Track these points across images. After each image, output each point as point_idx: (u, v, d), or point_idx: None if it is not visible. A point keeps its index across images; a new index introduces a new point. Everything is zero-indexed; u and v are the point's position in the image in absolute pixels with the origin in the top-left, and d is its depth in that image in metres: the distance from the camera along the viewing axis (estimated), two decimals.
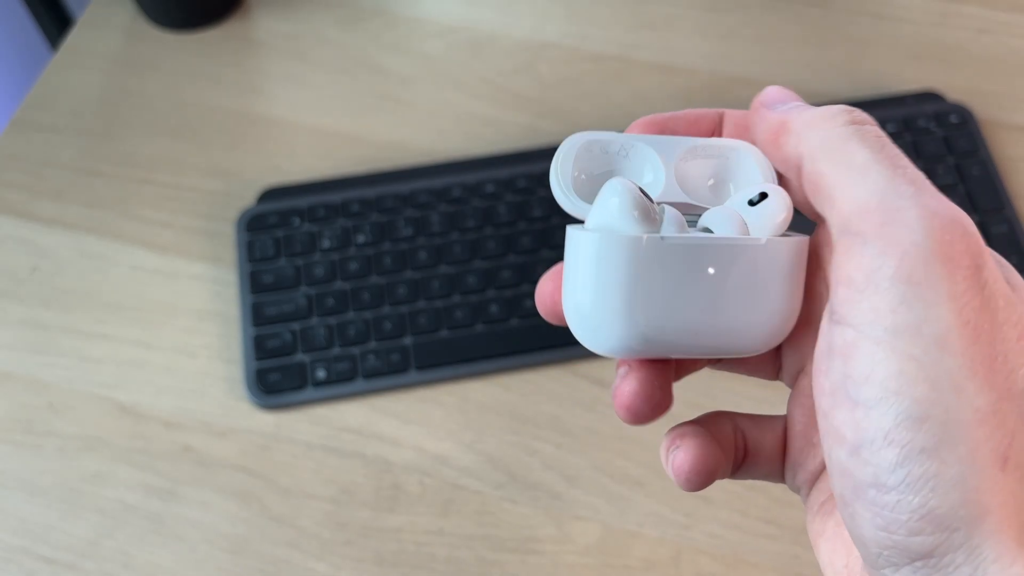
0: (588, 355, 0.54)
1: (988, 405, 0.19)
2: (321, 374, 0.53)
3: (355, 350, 0.53)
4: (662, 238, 0.23)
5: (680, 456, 0.26)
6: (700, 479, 0.25)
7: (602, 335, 0.24)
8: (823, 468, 0.25)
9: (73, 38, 0.67)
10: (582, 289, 0.24)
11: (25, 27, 0.80)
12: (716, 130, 0.27)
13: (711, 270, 0.24)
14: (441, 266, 0.56)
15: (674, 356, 0.25)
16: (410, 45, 0.66)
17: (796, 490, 0.27)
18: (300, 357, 0.53)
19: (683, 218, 0.25)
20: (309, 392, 0.53)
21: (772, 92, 0.25)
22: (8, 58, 0.82)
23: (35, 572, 0.49)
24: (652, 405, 0.25)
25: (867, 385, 0.20)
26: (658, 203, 0.25)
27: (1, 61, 0.82)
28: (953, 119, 0.59)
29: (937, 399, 0.19)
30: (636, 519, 0.49)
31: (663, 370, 0.25)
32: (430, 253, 0.56)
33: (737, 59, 0.64)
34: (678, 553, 0.49)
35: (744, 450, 0.26)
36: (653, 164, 0.26)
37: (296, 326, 0.54)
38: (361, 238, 0.56)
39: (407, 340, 0.54)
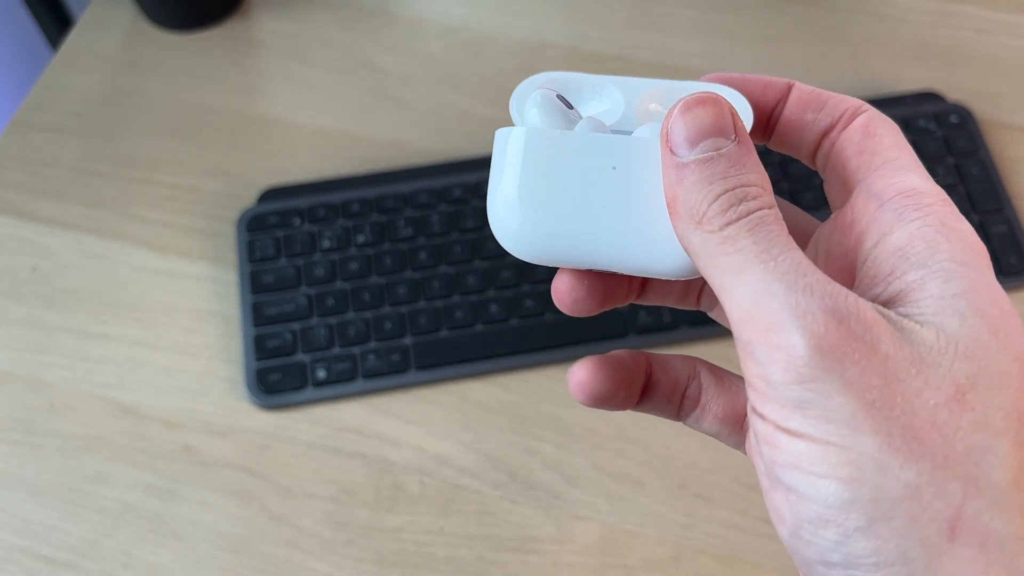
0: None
1: (918, 476, 0.19)
2: (321, 374, 0.53)
3: (355, 350, 0.53)
4: (559, 132, 0.24)
5: (575, 370, 0.27)
6: (593, 392, 0.27)
7: (511, 231, 0.24)
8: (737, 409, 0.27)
9: (73, 38, 0.67)
10: (494, 185, 0.24)
11: (25, 27, 0.80)
12: (781, 99, 0.27)
13: (612, 166, 0.23)
14: (441, 266, 0.56)
15: (588, 266, 0.25)
16: (410, 45, 0.66)
17: (751, 455, 0.27)
18: (300, 357, 0.53)
19: (606, 126, 0.25)
20: (309, 392, 0.53)
21: (679, 126, 0.23)
22: (8, 58, 0.82)
23: (35, 572, 0.49)
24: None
25: (794, 471, 0.20)
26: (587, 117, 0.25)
27: (1, 61, 0.82)
28: (953, 119, 0.60)
29: (862, 479, 0.20)
30: (636, 519, 0.49)
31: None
32: (430, 253, 0.56)
33: (737, 59, 0.64)
34: (678, 553, 0.49)
35: (647, 384, 0.28)
36: (613, 99, 0.26)
37: (296, 326, 0.54)
38: (361, 238, 0.56)
39: (407, 340, 0.54)
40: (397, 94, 0.64)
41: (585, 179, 0.23)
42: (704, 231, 0.22)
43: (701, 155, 0.22)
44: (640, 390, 0.27)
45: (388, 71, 0.65)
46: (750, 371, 0.21)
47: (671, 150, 0.23)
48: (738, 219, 0.22)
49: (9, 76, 0.82)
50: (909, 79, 0.63)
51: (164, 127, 0.63)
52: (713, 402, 0.27)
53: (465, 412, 0.53)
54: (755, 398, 0.21)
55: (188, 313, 0.56)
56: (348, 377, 0.53)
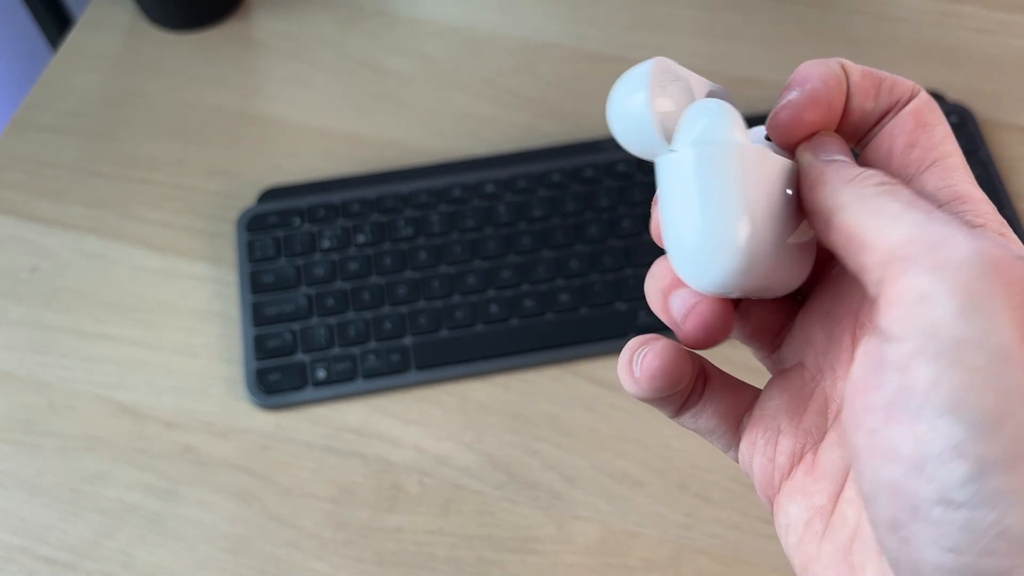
0: (588, 355, 0.54)
1: None
2: (321, 374, 0.53)
3: (355, 350, 0.53)
4: (765, 148, 0.23)
5: (649, 357, 0.25)
6: (668, 380, 0.25)
7: (713, 260, 0.22)
8: (790, 457, 0.25)
9: (73, 38, 0.67)
10: (687, 213, 0.23)
11: (25, 27, 0.80)
12: (846, 94, 0.26)
13: (789, 190, 0.23)
14: (441, 266, 0.56)
15: (765, 293, 0.24)
16: (410, 45, 0.66)
17: (744, 465, 0.27)
18: (300, 357, 0.53)
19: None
20: (309, 392, 0.53)
21: (826, 140, 0.24)
22: (8, 58, 0.82)
23: (35, 572, 0.49)
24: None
25: (930, 397, 0.19)
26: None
27: (1, 61, 0.82)
28: (953, 119, 0.60)
29: (1008, 410, 0.18)
30: (636, 519, 0.49)
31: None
32: (430, 253, 0.56)
33: (737, 59, 0.64)
34: (678, 553, 0.49)
35: (701, 392, 0.26)
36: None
37: (296, 326, 0.54)
38: (361, 238, 0.56)
39: (407, 340, 0.54)
40: (397, 94, 0.64)
41: (780, 200, 0.23)
42: (858, 186, 0.22)
43: (842, 159, 0.24)
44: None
45: (388, 71, 0.65)
46: (905, 284, 0.20)
47: (813, 153, 0.24)
48: (896, 184, 0.22)
49: (9, 76, 0.82)
50: (909, 79, 0.63)
51: (164, 127, 0.63)
52: (715, 397, 0.27)
53: (465, 412, 0.53)
54: (899, 316, 0.20)
55: (188, 313, 0.56)
56: (348, 377, 0.53)
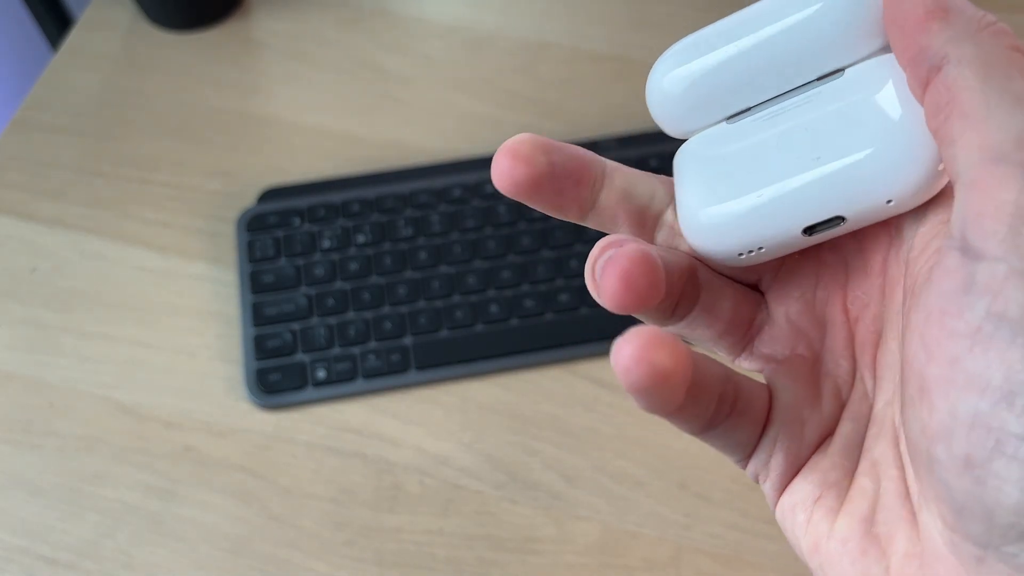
0: (588, 355, 0.54)
1: None
2: (321, 374, 0.53)
3: (355, 350, 0.53)
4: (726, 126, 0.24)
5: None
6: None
7: (714, 227, 0.23)
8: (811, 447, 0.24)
9: (73, 38, 0.67)
10: (684, 195, 0.24)
11: (25, 27, 0.80)
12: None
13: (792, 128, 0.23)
14: (441, 266, 0.56)
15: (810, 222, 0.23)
16: (410, 45, 0.66)
17: (757, 467, 0.24)
18: (300, 357, 0.53)
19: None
20: (309, 392, 0.53)
21: None
22: (8, 58, 0.82)
23: (35, 572, 0.49)
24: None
25: (1010, 321, 0.17)
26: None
27: (1, 61, 0.82)
28: None
29: None
30: (636, 519, 0.49)
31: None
32: (430, 253, 0.56)
33: None
34: (678, 553, 0.49)
35: (733, 405, 0.23)
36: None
37: (296, 326, 0.54)
38: (361, 238, 0.56)
39: (407, 340, 0.54)
40: (397, 94, 0.64)
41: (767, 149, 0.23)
42: (984, 43, 0.19)
43: None
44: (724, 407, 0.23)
45: (388, 71, 0.65)
46: (1001, 194, 0.18)
47: None
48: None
49: (9, 76, 0.82)
50: None
51: (164, 127, 0.63)
52: (749, 407, 0.24)
53: (465, 412, 0.53)
54: (993, 230, 0.18)
55: (188, 313, 0.56)
56: (348, 377, 0.53)
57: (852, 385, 0.24)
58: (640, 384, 0.20)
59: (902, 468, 0.22)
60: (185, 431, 0.52)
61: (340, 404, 0.53)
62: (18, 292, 0.57)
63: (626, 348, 0.20)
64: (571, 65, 0.64)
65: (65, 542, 0.49)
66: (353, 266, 0.56)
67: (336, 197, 0.58)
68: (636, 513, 0.50)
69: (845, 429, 0.24)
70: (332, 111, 0.63)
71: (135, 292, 0.56)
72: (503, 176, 0.23)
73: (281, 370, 0.53)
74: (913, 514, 0.22)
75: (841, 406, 0.24)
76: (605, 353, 0.53)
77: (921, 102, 0.20)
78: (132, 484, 0.51)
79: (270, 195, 0.59)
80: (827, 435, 0.24)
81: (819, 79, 0.23)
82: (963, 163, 0.19)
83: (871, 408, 0.24)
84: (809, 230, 0.23)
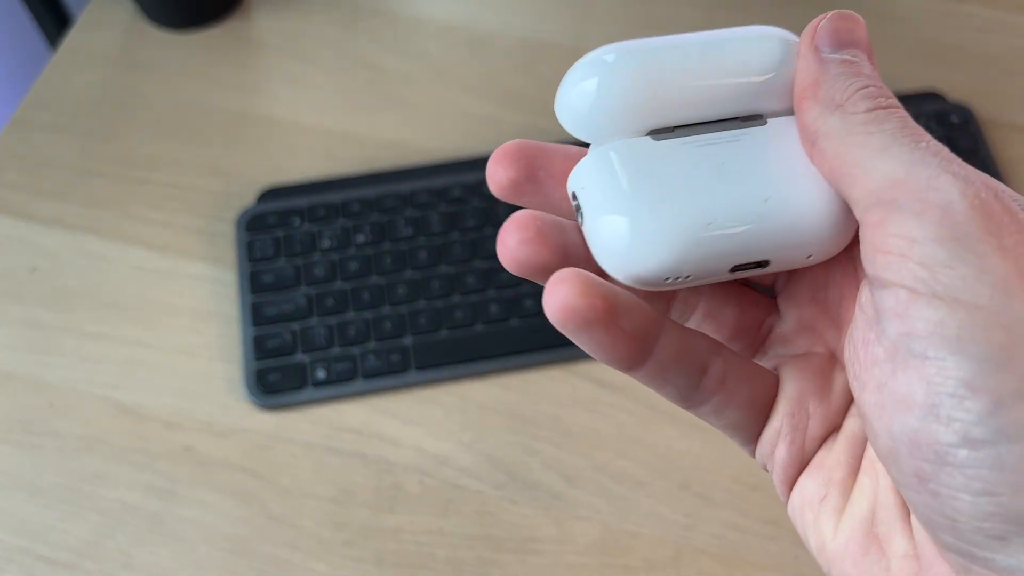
0: (588, 355, 0.54)
1: None
2: (321, 374, 0.53)
3: (355, 350, 0.53)
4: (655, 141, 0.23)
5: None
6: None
7: (650, 247, 0.22)
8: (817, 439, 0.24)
9: (72, 38, 0.67)
10: (603, 206, 0.23)
11: (24, 27, 0.80)
12: None
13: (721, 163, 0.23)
14: (441, 266, 0.56)
15: (732, 263, 0.23)
16: (410, 45, 0.66)
17: (763, 456, 0.25)
18: (300, 357, 0.53)
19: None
20: (309, 392, 0.52)
21: (830, 27, 0.24)
22: (7, 58, 0.82)
23: (35, 572, 0.49)
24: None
25: (935, 337, 0.18)
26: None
27: (0, 61, 0.82)
28: (954, 119, 0.59)
29: (1017, 341, 0.18)
30: (636, 519, 0.49)
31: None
32: (430, 253, 0.56)
33: None
34: (678, 553, 0.48)
35: (721, 382, 0.23)
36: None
37: (296, 326, 0.54)
38: (361, 238, 0.56)
39: (407, 340, 0.54)
40: (397, 93, 0.64)
41: (697, 176, 0.23)
42: (846, 112, 0.21)
43: (847, 56, 0.23)
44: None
45: (388, 70, 0.65)
46: (892, 231, 0.19)
47: (816, 46, 0.23)
48: (886, 107, 0.21)
49: (8, 76, 0.82)
50: (910, 79, 0.63)
51: (163, 127, 0.63)
52: (743, 386, 0.24)
53: (465, 412, 0.52)
54: (889, 264, 0.19)
55: (188, 313, 0.56)
56: (348, 377, 0.53)
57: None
58: (557, 317, 0.21)
59: None
60: (185, 431, 0.52)
61: (340, 404, 0.53)
62: (18, 292, 0.56)
63: (552, 286, 0.21)
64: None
65: (65, 542, 0.49)
66: (353, 266, 0.56)
67: (336, 197, 0.58)
68: (636, 513, 0.50)
69: (851, 425, 0.24)
70: (332, 111, 0.63)
71: (135, 292, 0.56)
72: (492, 181, 0.25)
73: (281, 370, 0.53)
74: (908, 514, 0.22)
75: (851, 401, 0.24)
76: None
77: (824, 174, 0.22)
78: (132, 484, 0.51)
79: (270, 195, 0.59)
80: (834, 430, 0.24)
81: (740, 119, 0.24)
82: (857, 212, 0.21)
83: None
84: (736, 268, 0.23)
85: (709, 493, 0.50)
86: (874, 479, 0.23)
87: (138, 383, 0.53)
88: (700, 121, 0.24)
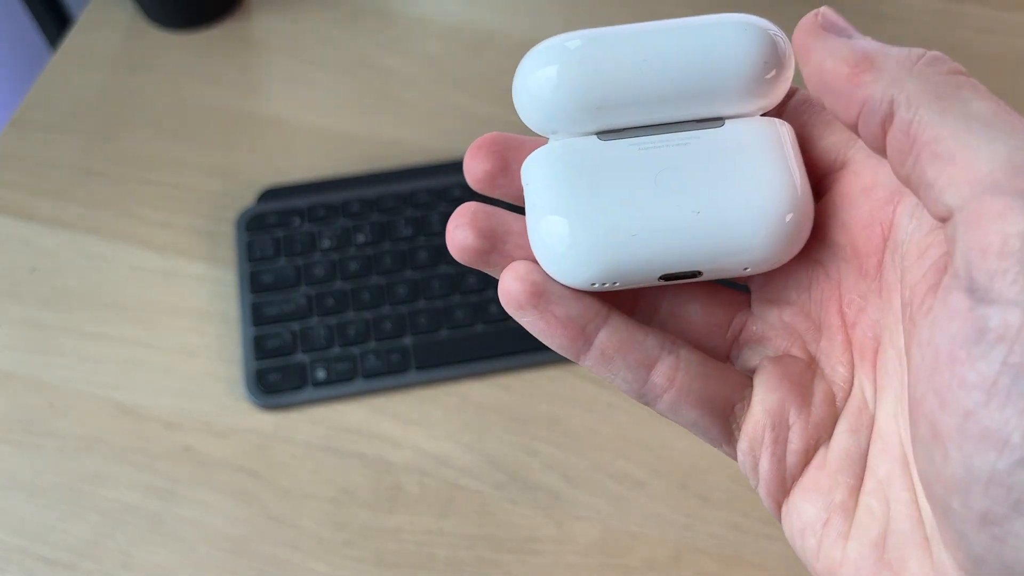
0: None
1: None
2: (321, 374, 0.53)
3: (355, 350, 0.53)
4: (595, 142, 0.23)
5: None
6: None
7: (576, 253, 0.22)
8: (802, 447, 0.23)
9: (72, 38, 0.67)
10: (541, 208, 0.23)
11: (24, 27, 0.80)
12: None
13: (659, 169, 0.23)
14: (441, 266, 0.56)
15: (662, 273, 0.23)
16: (410, 45, 0.66)
17: (746, 468, 0.24)
18: (300, 357, 0.53)
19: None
20: (309, 392, 0.52)
21: (833, 16, 0.21)
22: (7, 58, 0.82)
23: (34, 572, 0.49)
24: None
25: None
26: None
27: (0, 61, 0.82)
28: None
29: None
30: (637, 519, 0.49)
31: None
32: (430, 253, 0.56)
33: None
34: (678, 553, 0.48)
35: (671, 380, 0.23)
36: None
37: (296, 326, 0.54)
38: (361, 238, 0.56)
39: (407, 340, 0.54)
40: (397, 93, 0.64)
41: (633, 182, 0.23)
42: (926, 75, 0.18)
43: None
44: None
45: (388, 70, 0.65)
46: (1007, 228, 0.16)
47: (828, 31, 0.21)
48: (968, 77, 0.19)
49: (8, 76, 0.82)
50: None
51: (163, 126, 0.63)
52: (697, 384, 0.23)
53: (465, 412, 0.52)
54: (1001, 273, 0.16)
55: (187, 313, 0.56)
56: (348, 377, 0.53)
57: (849, 392, 0.23)
58: (502, 300, 0.23)
59: (913, 490, 0.21)
60: (185, 431, 0.52)
61: (340, 404, 0.53)
62: (17, 292, 0.56)
63: (504, 272, 0.24)
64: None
65: (64, 542, 0.49)
66: (353, 266, 0.56)
67: (336, 197, 0.58)
68: (636, 513, 0.50)
69: (844, 443, 0.23)
70: (332, 110, 0.63)
71: (134, 292, 0.56)
72: (468, 174, 0.25)
73: (281, 370, 0.53)
74: (927, 540, 0.21)
75: (835, 414, 0.23)
76: None
77: (883, 155, 0.20)
78: (132, 484, 0.51)
79: (270, 195, 0.59)
80: (817, 444, 0.23)
81: (697, 121, 0.23)
82: (954, 201, 0.17)
83: (872, 420, 0.23)
84: (667, 277, 0.23)
85: (709, 493, 0.50)
86: (884, 503, 0.22)
87: (138, 383, 0.53)
88: (656, 123, 0.23)
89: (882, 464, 0.22)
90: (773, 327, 0.24)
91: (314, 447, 0.52)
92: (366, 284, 0.55)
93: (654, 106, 0.23)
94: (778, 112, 0.24)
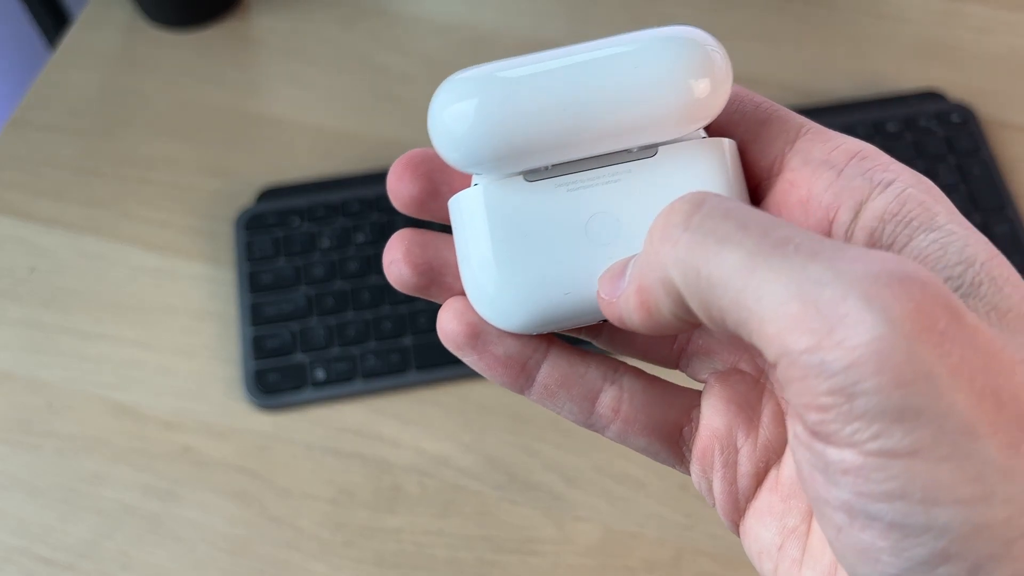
0: None
1: None
2: (320, 374, 0.53)
3: (355, 350, 0.53)
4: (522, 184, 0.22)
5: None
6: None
7: (506, 307, 0.22)
8: (756, 472, 0.23)
9: (71, 37, 0.67)
10: (468, 256, 0.22)
11: (23, 26, 0.80)
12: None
13: (592, 213, 0.22)
14: None
15: (587, 321, 0.23)
16: (410, 44, 0.66)
17: (702, 489, 0.24)
18: (299, 357, 0.53)
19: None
20: (308, 392, 0.52)
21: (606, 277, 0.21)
22: (6, 57, 0.82)
23: (33, 572, 0.48)
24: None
25: (900, 503, 0.16)
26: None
27: None
28: (955, 118, 0.59)
29: (990, 495, 0.16)
30: (637, 520, 0.49)
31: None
32: None
33: (738, 59, 0.64)
34: (679, 554, 0.48)
35: (615, 411, 0.23)
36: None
37: (295, 326, 0.54)
38: (361, 238, 0.56)
39: (407, 340, 0.53)
40: (396, 93, 0.64)
41: (563, 228, 0.22)
42: (677, 236, 0.18)
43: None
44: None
45: (387, 70, 0.65)
46: (813, 388, 0.16)
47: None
48: (704, 205, 0.18)
49: (7, 75, 0.81)
50: (911, 78, 0.63)
51: (162, 126, 0.63)
52: (641, 413, 0.23)
53: (465, 412, 0.52)
54: (823, 421, 0.16)
55: (186, 313, 0.55)
56: (347, 377, 0.53)
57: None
58: (442, 339, 0.23)
59: None
60: (184, 431, 0.52)
61: (339, 405, 0.53)
62: (16, 292, 0.56)
63: (440, 312, 0.23)
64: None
65: (63, 543, 0.49)
66: (352, 266, 0.55)
67: (335, 196, 0.58)
68: (637, 514, 0.49)
69: (793, 468, 0.22)
70: (331, 110, 0.63)
71: (133, 292, 0.56)
72: (393, 196, 0.24)
73: (280, 370, 0.53)
74: None
75: (785, 434, 0.23)
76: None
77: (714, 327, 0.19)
78: (130, 484, 0.51)
79: (269, 194, 0.59)
80: (768, 465, 0.23)
81: (628, 151, 0.22)
82: (761, 348, 0.17)
83: None
84: (604, 321, 0.23)
85: None
86: None
87: (137, 383, 0.53)
88: (585, 157, 0.22)
89: None
90: (719, 341, 0.24)
91: (314, 447, 0.51)
92: (366, 284, 0.55)
93: (582, 144, 0.22)
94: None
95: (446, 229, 0.24)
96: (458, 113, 0.21)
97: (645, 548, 0.49)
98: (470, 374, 0.53)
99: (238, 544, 0.49)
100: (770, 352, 0.17)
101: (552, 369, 0.23)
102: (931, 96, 0.61)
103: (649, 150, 0.22)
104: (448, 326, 0.23)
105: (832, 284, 0.16)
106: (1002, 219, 0.56)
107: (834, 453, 0.17)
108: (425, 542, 0.49)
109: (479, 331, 0.23)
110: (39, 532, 0.49)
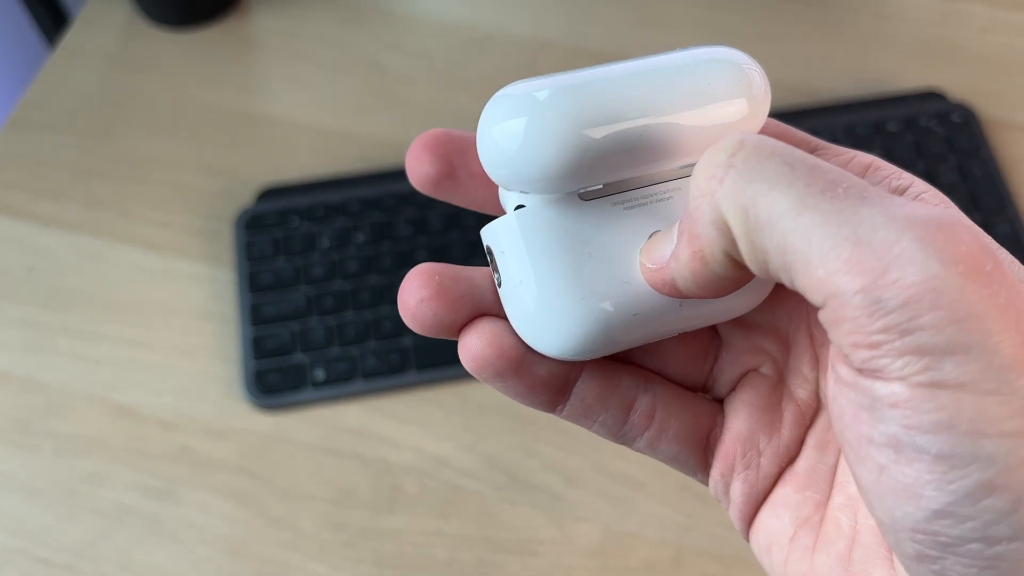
0: None
1: None
2: (320, 374, 0.52)
3: (355, 350, 0.53)
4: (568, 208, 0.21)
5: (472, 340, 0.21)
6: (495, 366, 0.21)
7: (559, 332, 0.21)
8: (771, 476, 0.23)
9: (71, 37, 0.66)
10: (524, 282, 0.21)
11: (22, 26, 0.80)
12: None
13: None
14: None
15: (642, 340, 0.22)
16: (410, 44, 0.66)
17: (718, 492, 0.24)
18: (299, 357, 0.53)
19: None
20: (308, 393, 0.52)
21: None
22: (5, 57, 0.82)
23: (32, 573, 0.48)
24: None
25: (948, 435, 0.16)
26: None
27: None
28: (955, 118, 0.59)
29: None
30: (637, 520, 0.49)
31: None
32: (430, 252, 0.56)
33: None
34: (679, 554, 0.48)
35: (650, 417, 0.23)
36: None
37: (295, 326, 0.54)
38: (361, 238, 0.56)
39: (407, 340, 0.53)
40: (396, 93, 0.64)
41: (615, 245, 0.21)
42: (724, 170, 0.18)
43: None
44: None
45: (387, 70, 0.65)
46: (865, 327, 0.17)
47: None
48: (762, 147, 0.18)
49: (6, 75, 0.81)
50: (911, 78, 0.63)
51: (162, 126, 0.62)
52: (674, 419, 0.23)
53: (465, 413, 0.52)
54: (873, 358, 0.17)
55: (186, 313, 0.55)
56: (347, 378, 0.52)
57: (816, 410, 0.23)
58: (471, 367, 0.22)
59: None
60: (183, 432, 0.52)
61: (339, 405, 0.52)
62: (15, 292, 0.56)
63: (463, 337, 0.22)
64: (571, 64, 0.64)
65: (62, 543, 0.49)
66: (352, 266, 0.55)
67: (335, 196, 0.57)
68: (637, 514, 0.49)
69: (811, 459, 0.23)
70: (331, 110, 0.63)
71: (133, 292, 0.56)
72: (411, 174, 0.24)
73: (280, 370, 0.53)
74: (890, 554, 0.21)
75: (804, 433, 0.23)
76: None
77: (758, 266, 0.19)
78: (129, 485, 0.50)
79: (269, 194, 0.59)
80: (788, 464, 0.23)
81: (681, 168, 0.22)
82: (808, 292, 0.18)
83: None
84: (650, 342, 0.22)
85: (709, 494, 0.50)
86: (853, 518, 0.22)
87: (136, 383, 0.53)
88: (642, 184, 0.22)
89: (852, 480, 0.22)
90: (743, 345, 0.24)
91: (313, 448, 0.51)
92: (366, 284, 0.55)
93: (642, 166, 0.21)
94: None
95: (459, 211, 0.24)
96: (509, 131, 0.20)
97: (645, 548, 0.49)
98: (470, 374, 0.53)
99: (237, 544, 0.49)
100: (817, 295, 0.17)
101: (589, 382, 0.22)
102: (932, 96, 0.61)
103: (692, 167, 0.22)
104: (485, 351, 0.21)
105: (885, 227, 0.17)
106: (1003, 219, 0.56)
107: (882, 387, 0.17)
108: (425, 542, 0.49)
109: (519, 354, 0.21)
110: (38, 532, 0.49)
